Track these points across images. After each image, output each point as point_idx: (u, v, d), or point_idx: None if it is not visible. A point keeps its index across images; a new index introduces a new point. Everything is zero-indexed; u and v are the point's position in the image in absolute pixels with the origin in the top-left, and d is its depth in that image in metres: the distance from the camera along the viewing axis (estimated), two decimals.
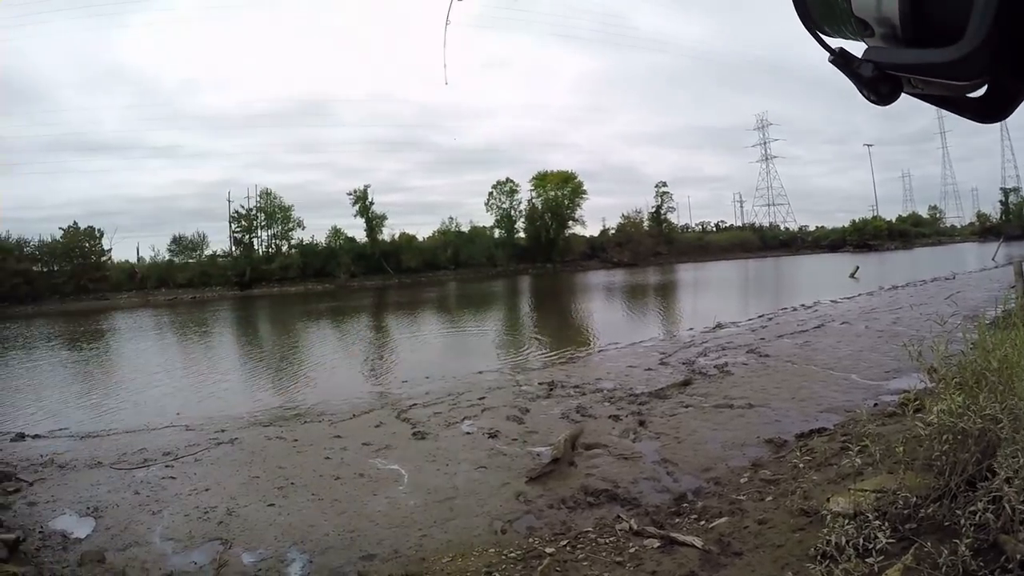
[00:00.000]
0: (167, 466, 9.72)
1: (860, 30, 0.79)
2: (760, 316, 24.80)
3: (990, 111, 0.73)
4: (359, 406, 13.26)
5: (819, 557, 4.46)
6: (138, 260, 77.15)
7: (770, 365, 14.84)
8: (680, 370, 15.03)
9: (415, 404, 12.89)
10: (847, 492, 5.55)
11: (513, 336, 26.20)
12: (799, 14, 0.83)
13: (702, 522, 6.49)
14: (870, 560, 4.07)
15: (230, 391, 16.17)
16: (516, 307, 43.02)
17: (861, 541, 4.29)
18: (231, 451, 10.33)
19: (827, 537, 4.52)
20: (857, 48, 0.80)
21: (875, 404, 9.95)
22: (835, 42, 0.82)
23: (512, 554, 6.31)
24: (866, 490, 5.37)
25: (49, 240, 70.92)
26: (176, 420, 12.86)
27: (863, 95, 0.80)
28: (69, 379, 20.49)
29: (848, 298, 29.21)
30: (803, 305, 27.42)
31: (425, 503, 7.80)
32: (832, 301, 28.11)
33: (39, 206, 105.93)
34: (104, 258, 72.95)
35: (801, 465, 7.42)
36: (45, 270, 69.52)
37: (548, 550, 6.27)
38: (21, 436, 11.87)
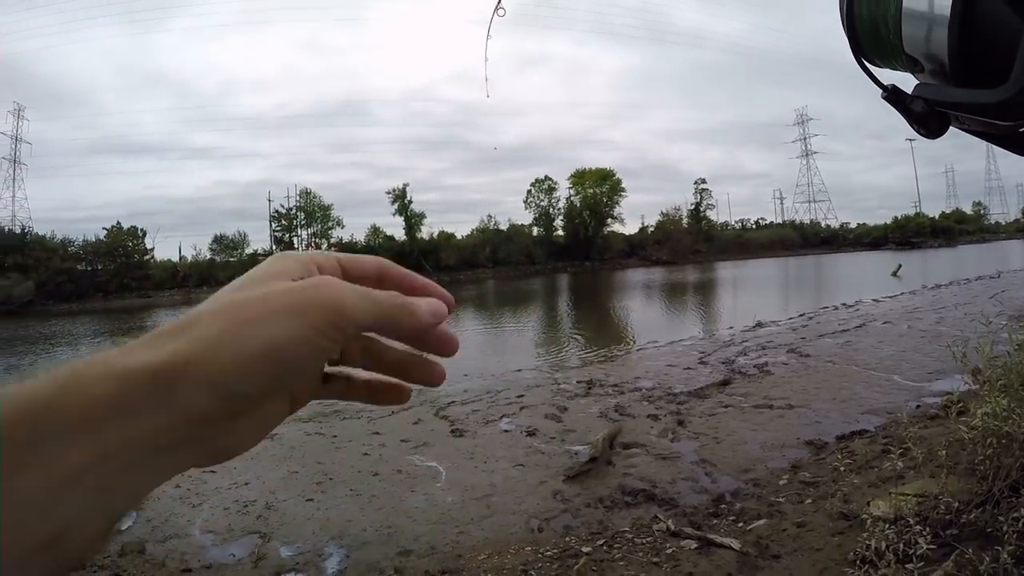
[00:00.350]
0: None
1: (911, 65, 0.79)
2: (801, 315, 24.49)
3: None
4: None
5: (858, 562, 4.42)
6: (180, 259, 78.44)
7: (811, 365, 14.66)
8: (719, 369, 14.89)
9: (453, 402, 12.92)
10: (888, 496, 5.49)
11: (551, 334, 26.15)
12: (852, 48, 0.84)
13: (740, 524, 6.45)
14: (910, 566, 4.02)
15: None
16: (554, 305, 42.95)
17: (901, 546, 4.23)
18: (271, 446, 10.44)
19: (867, 542, 4.47)
20: (906, 82, 0.80)
21: (917, 406, 9.80)
22: (884, 74, 0.83)
23: (549, 552, 6.32)
24: (907, 494, 5.31)
25: (93, 240, 72.53)
26: None
27: (913, 128, 0.80)
28: None
29: (890, 297, 28.70)
30: (844, 304, 27.02)
31: (462, 500, 7.84)
32: (874, 300, 27.64)
33: (82, 207, 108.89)
34: (147, 257, 74.24)
35: (841, 468, 7.34)
36: (89, 269, 70.92)
37: (585, 549, 6.27)
38: None
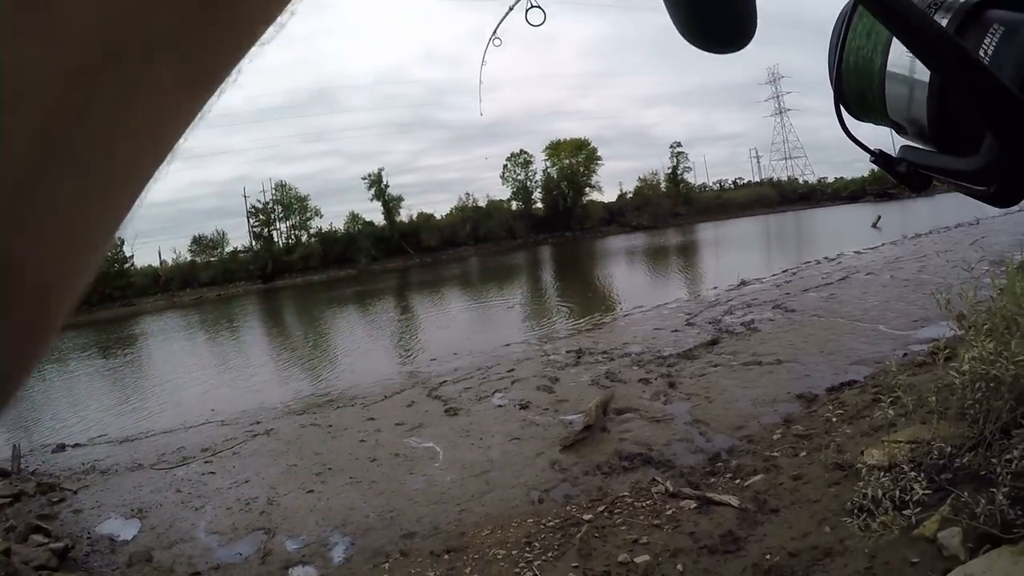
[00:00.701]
0: (206, 462, 9.91)
1: (896, 128, 0.85)
2: (784, 271, 24.60)
3: (1007, 201, 0.75)
4: (390, 387, 13.34)
5: (856, 511, 4.46)
6: (160, 263, 77.74)
7: (796, 320, 14.76)
8: (707, 330, 14.98)
9: (445, 381, 12.97)
10: (881, 444, 5.56)
11: (537, 306, 26.17)
12: (838, 117, 0.88)
13: (737, 481, 6.53)
14: (907, 512, 4.07)
15: (262, 384, 16.33)
16: (538, 277, 42.97)
17: (897, 493, 4.28)
18: (267, 442, 10.48)
19: (863, 490, 4.52)
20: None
21: (904, 355, 9.89)
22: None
23: (550, 523, 6.39)
24: (900, 441, 5.38)
25: None
26: (212, 416, 13.05)
27: (900, 184, 0.85)
28: (104, 387, 20.76)
29: (871, 248, 28.78)
30: (826, 258, 27.12)
31: (461, 478, 7.90)
32: (855, 252, 27.72)
33: None
34: (127, 265, 73.38)
35: (833, 419, 7.40)
36: None
37: (586, 517, 6.34)
38: (62, 447, 12.08)
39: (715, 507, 5.96)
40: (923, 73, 0.75)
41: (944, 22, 0.73)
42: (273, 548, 6.91)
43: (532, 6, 2.03)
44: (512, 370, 13.25)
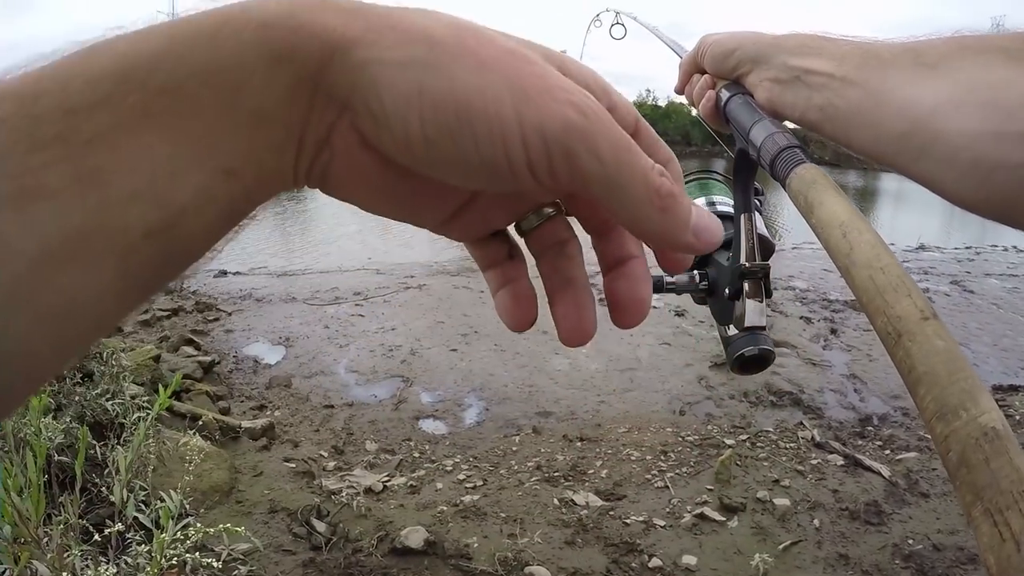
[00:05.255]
0: (357, 304, 10.14)
1: None
2: (966, 247, 22.64)
3: None
4: None
5: None
6: None
7: (974, 303, 13.57)
8: None
9: None
10: None
11: None
12: None
13: (887, 451, 6.09)
14: None
15: (419, 241, 16.57)
16: None
17: None
18: (419, 295, 10.61)
19: None
20: None
21: None
22: None
23: (689, 438, 6.17)
24: None
25: None
26: (367, 264, 13.37)
27: None
28: (268, 224, 21.64)
29: None
30: (1015, 247, 24.89)
31: (606, 370, 7.73)
32: None
33: None
34: None
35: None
36: None
37: (728, 441, 6.09)
38: (223, 273, 12.60)
39: (863, 471, 5.57)
40: None
41: None
42: (408, 397, 7.00)
43: (617, 22, 1.77)
44: None
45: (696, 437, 6.20)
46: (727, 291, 0.84)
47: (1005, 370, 9.01)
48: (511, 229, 0.51)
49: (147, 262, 0.31)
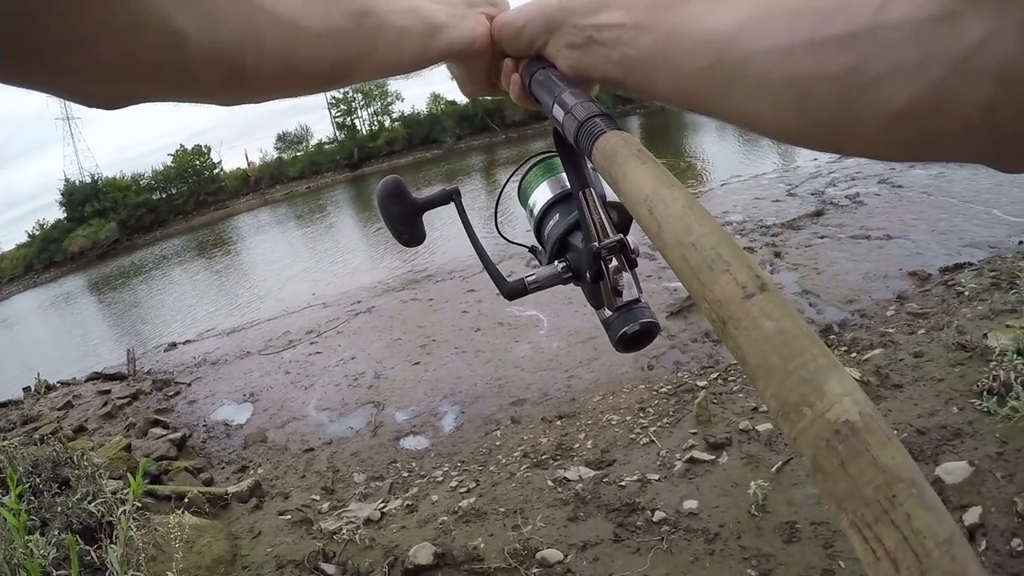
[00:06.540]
0: (311, 343, 10.08)
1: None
2: None
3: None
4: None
5: (984, 393, 4.26)
6: (248, 164, 79.05)
7: (905, 196, 13.82)
8: (810, 201, 14.23)
9: None
10: (1004, 328, 5.19)
11: None
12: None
13: (853, 354, 6.17)
14: None
15: (359, 266, 16.43)
16: None
17: None
18: (370, 319, 10.57)
19: (993, 372, 4.32)
20: None
21: (1020, 242, 9.15)
22: None
23: (663, 389, 6.21)
24: None
25: (161, 168, 73.50)
26: (313, 301, 13.26)
27: None
28: (207, 285, 21.40)
29: None
30: None
31: (568, 345, 7.76)
32: None
33: (143, 141, 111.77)
34: (216, 171, 75.02)
35: (949, 299, 6.94)
36: (164, 196, 72.08)
37: (700, 383, 6.13)
38: (173, 345, 12.58)
39: None
40: None
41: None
42: (383, 420, 6.98)
43: None
44: None
45: (669, 387, 6.24)
46: (588, 275, 0.82)
47: (948, 252, 9.20)
48: None
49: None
